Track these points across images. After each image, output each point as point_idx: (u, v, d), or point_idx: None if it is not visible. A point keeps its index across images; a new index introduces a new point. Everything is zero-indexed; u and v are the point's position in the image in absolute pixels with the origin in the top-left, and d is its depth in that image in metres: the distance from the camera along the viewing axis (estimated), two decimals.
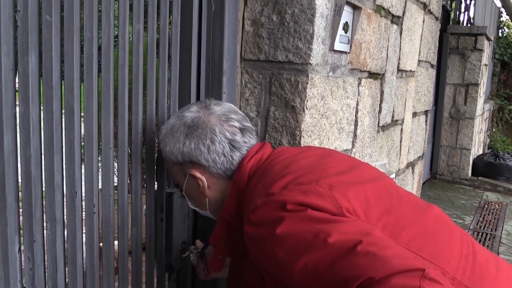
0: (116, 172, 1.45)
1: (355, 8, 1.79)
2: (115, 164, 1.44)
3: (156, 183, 1.57)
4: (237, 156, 1.26)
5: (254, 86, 1.67)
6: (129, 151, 1.47)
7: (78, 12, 1.18)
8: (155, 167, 1.55)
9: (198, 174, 1.27)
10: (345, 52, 1.82)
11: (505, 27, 10.49)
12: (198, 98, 1.62)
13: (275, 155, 1.26)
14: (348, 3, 1.71)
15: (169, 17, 1.50)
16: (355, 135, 2.05)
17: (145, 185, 1.53)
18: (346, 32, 1.76)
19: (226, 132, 1.25)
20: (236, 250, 1.32)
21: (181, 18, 1.53)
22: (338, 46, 1.71)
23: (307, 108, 1.60)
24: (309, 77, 1.58)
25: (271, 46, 1.62)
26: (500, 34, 9.78)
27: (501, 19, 10.56)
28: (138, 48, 1.40)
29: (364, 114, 2.12)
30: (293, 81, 1.60)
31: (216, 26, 1.57)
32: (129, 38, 1.37)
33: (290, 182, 1.11)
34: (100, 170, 1.36)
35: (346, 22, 1.73)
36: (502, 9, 10.89)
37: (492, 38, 7.97)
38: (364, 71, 2.07)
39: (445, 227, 1.16)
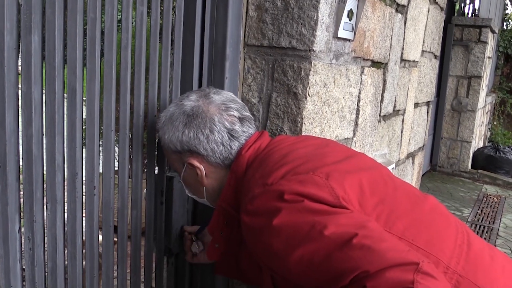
0: (117, 155, 1.45)
1: None
2: (116, 147, 1.44)
3: (156, 167, 1.57)
4: (235, 145, 1.27)
5: (256, 72, 1.66)
6: (130, 135, 1.47)
7: None
8: (156, 151, 1.55)
9: (196, 163, 1.27)
10: (349, 40, 1.81)
11: (510, 20, 10.42)
12: (200, 82, 1.61)
13: (273, 144, 1.27)
14: None
15: (173, 1, 1.49)
16: (356, 124, 2.05)
17: (145, 169, 1.54)
18: (350, 20, 1.74)
19: (225, 121, 1.26)
20: (233, 239, 1.33)
21: (185, 1, 1.52)
22: (342, 33, 1.70)
23: (309, 95, 1.60)
24: (312, 64, 1.58)
25: (274, 32, 1.61)
26: (504, 27, 9.72)
27: (506, 11, 10.49)
28: (141, 31, 1.39)
29: (366, 103, 2.11)
30: (296, 67, 1.59)
31: (220, 10, 1.56)
32: (133, 21, 1.37)
33: (287, 172, 1.11)
34: (101, 152, 1.36)
35: (351, 9, 1.72)
36: (508, 1, 10.82)
37: (497, 31, 7.93)
38: (367, 59, 2.06)
39: (440, 217, 1.18)
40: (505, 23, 9.96)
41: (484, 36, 6.78)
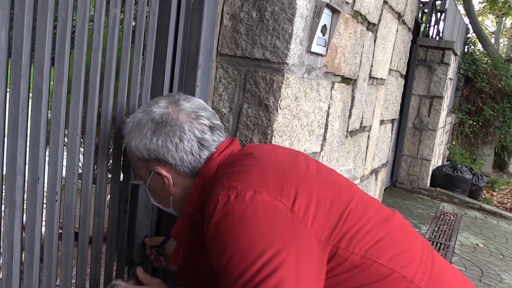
0: (81, 160, 1.41)
1: (334, 11, 1.79)
2: (81, 151, 1.39)
3: (122, 174, 1.53)
4: (205, 154, 1.23)
5: (228, 81, 1.65)
6: (97, 140, 1.42)
7: None
8: (122, 158, 1.51)
9: (164, 172, 1.23)
10: (321, 55, 1.82)
11: (471, 44, 10.79)
12: (171, 89, 1.58)
13: (245, 151, 1.25)
14: (328, 6, 1.71)
15: (147, 4, 1.47)
16: (324, 139, 2.06)
17: (110, 176, 1.49)
18: (323, 35, 1.76)
19: (196, 130, 1.22)
20: (197, 243, 1.30)
21: (159, 6, 1.49)
22: (315, 48, 1.71)
23: (280, 108, 1.59)
24: (285, 77, 1.57)
25: (248, 43, 1.61)
26: (466, 50, 10.06)
27: (468, 35, 10.86)
28: (113, 34, 1.36)
29: (334, 118, 2.13)
30: (268, 79, 1.59)
31: (195, 17, 1.54)
32: (105, 22, 1.33)
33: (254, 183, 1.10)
34: (65, 157, 1.31)
35: (325, 25, 1.73)
36: (470, 26, 11.21)
37: (459, 53, 8.19)
38: (337, 75, 2.08)
39: (407, 234, 1.19)
40: (466, 47, 10.30)
41: (447, 58, 7.00)
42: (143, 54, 1.49)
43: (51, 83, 1.20)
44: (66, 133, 1.30)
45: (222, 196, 1.07)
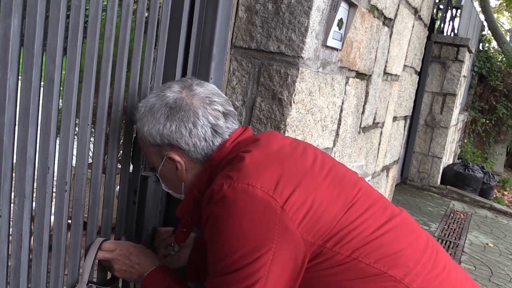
0: (91, 150, 1.40)
1: (351, 5, 1.75)
2: (92, 141, 1.38)
3: (131, 165, 1.52)
4: (218, 141, 1.21)
5: (242, 74, 1.63)
6: (107, 129, 1.41)
7: None
8: (132, 149, 1.49)
9: (177, 157, 1.22)
10: (337, 49, 1.79)
11: (486, 41, 10.66)
12: None
13: (252, 138, 1.24)
14: (345, 0, 1.68)
15: None
16: (337, 134, 2.03)
17: (120, 166, 1.48)
18: (340, 29, 1.72)
19: (210, 116, 1.20)
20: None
21: None
22: (330, 42, 1.68)
23: (294, 102, 1.57)
24: (300, 71, 1.55)
25: (263, 35, 1.58)
26: (480, 48, 9.93)
27: (483, 32, 10.73)
28: (126, 23, 1.34)
29: (348, 113, 2.10)
30: (282, 73, 1.56)
31: (210, 8, 1.52)
32: (118, 12, 1.31)
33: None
34: (75, 146, 1.30)
35: (341, 19, 1.70)
36: (485, 23, 11.07)
37: (473, 51, 8.09)
38: (352, 70, 2.05)
39: (410, 233, 1.17)
40: (481, 44, 10.17)
41: (461, 55, 6.92)
42: (155, 45, 1.47)
43: (63, 72, 1.18)
44: (76, 122, 1.29)
45: (218, 184, 1.08)
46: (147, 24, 1.43)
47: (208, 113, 1.20)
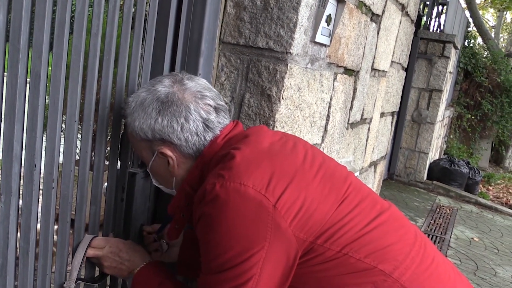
0: (78, 147, 1.38)
1: (340, 1, 1.75)
2: (79, 138, 1.36)
3: (119, 161, 1.50)
4: (209, 136, 1.21)
5: (230, 70, 1.62)
6: (94, 126, 1.40)
7: None
8: (120, 145, 1.48)
9: (169, 152, 1.21)
10: (325, 45, 1.79)
11: (471, 38, 10.75)
12: None
13: (242, 134, 1.23)
14: None
15: None
16: (325, 130, 2.03)
17: (107, 163, 1.47)
18: (328, 25, 1.72)
19: (201, 110, 1.19)
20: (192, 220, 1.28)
21: None
22: (319, 38, 1.68)
23: (283, 98, 1.56)
24: (288, 67, 1.54)
25: (252, 31, 1.57)
26: (466, 44, 10.02)
27: (469, 29, 10.82)
28: (113, 19, 1.32)
29: (336, 109, 2.10)
30: (271, 69, 1.56)
31: (198, 4, 1.50)
32: (105, 7, 1.29)
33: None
34: (62, 143, 1.28)
35: (330, 15, 1.70)
36: (470, 20, 11.17)
37: (459, 47, 8.16)
38: (340, 66, 2.05)
39: (399, 228, 1.18)
40: (466, 40, 10.26)
41: (447, 51, 6.97)
42: (143, 41, 1.46)
43: (49, 68, 1.16)
44: (63, 119, 1.27)
45: (210, 184, 1.08)
46: (134, 20, 1.41)
47: (200, 107, 1.19)
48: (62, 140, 1.28)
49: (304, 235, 1.07)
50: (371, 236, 1.11)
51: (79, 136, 1.35)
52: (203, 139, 1.20)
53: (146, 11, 1.43)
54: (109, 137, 1.47)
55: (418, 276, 1.11)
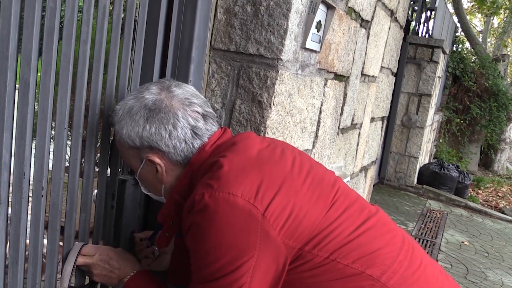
0: (68, 154, 1.37)
1: (329, 7, 1.76)
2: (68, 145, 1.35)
3: (109, 168, 1.50)
4: (197, 143, 1.21)
5: (221, 77, 1.62)
6: (84, 133, 1.39)
7: None
8: (110, 152, 1.47)
9: (157, 160, 1.21)
10: (315, 51, 1.79)
11: (459, 42, 10.85)
12: None
13: (229, 142, 1.23)
14: (323, 2, 1.69)
15: None
16: (316, 136, 2.04)
17: (97, 170, 1.46)
18: (318, 31, 1.73)
19: (189, 117, 1.19)
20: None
21: None
22: (309, 44, 1.68)
23: (274, 104, 1.56)
24: (279, 73, 1.55)
25: (242, 38, 1.57)
26: (454, 49, 10.11)
27: (457, 34, 10.92)
28: (102, 25, 1.32)
29: (327, 115, 2.11)
30: (262, 75, 1.56)
31: (188, 11, 1.50)
32: (94, 12, 1.29)
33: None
34: (51, 150, 1.27)
35: (320, 21, 1.71)
36: (458, 24, 11.27)
37: (447, 52, 8.23)
38: (330, 72, 2.06)
39: (387, 233, 1.19)
40: (454, 45, 10.35)
41: (436, 56, 7.02)
42: (132, 47, 1.45)
43: (39, 74, 1.15)
44: (52, 126, 1.26)
45: (199, 194, 1.08)
46: (124, 26, 1.41)
47: (188, 114, 1.19)
48: (52, 147, 1.27)
49: (293, 242, 1.07)
50: (359, 241, 1.12)
51: (69, 143, 1.34)
52: (191, 146, 1.20)
53: (135, 17, 1.43)
54: (98, 144, 1.46)
55: (406, 279, 1.12)
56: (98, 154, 1.48)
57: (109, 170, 1.49)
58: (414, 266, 1.15)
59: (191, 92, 1.23)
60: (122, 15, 1.38)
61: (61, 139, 1.28)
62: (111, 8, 1.36)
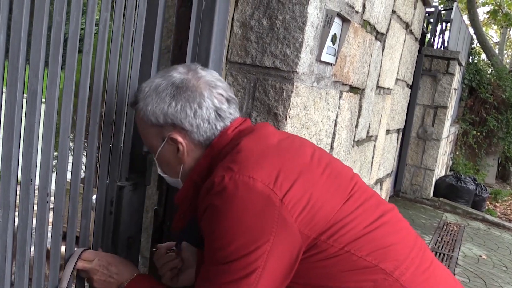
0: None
1: (344, 20, 1.74)
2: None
3: (108, 175, 1.49)
4: (220, 126, 1.20)
5: (237, 89, 1.60)
6: (85, 140, 1.39)
7: None
8: (109, 159, 1.47)
9: (179, 138, 1.20)
10: (331, 64, 1.77)
11: (475, 54, 10.76)
12: None
13: (250, 129, 1.24)
14: (339, 15, 1.67)
15: (136, 9, 1.43)
16: (331, 148, 2.01)
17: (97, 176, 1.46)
18: (333, 44, 1.71)
19: (215, 99, 1.19)
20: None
21: (147, 11, 1.45)
22: (325, 57, 1.66)
23: (289, 116, 1.55)
24: (295, 86, 1.53)
25: (258, 51, 1.56)
26: (470, 60, 10.02)
27: (473, 45, 10.83)
28: (103, 37, 1.33)
29: (342, 127, 2.08)
30: (278, 88, 1.54)
31: (205, 24, 1.49)
32: (95, 26, 1.30)
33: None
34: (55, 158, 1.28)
35: (335, 34, 1.69)
36: (474, 36, 11.19)
37: (463, 64, 8.15)
38: (346, 84, 2.03)
39: (400, 230, 1.20)
40: (470, 57, 10.26)
41: (451, 68, 6.96)
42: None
43: (45, 85, 1.17)
44: (57, 134, 1.27)
45: (218, 176, 1.08)
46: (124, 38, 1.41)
47: (213, 96, 1.19)
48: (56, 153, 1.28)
49: (308, 231, 1.07)
50: (374, 235, 1.12)
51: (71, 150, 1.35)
52: (214, 127, 1.20)
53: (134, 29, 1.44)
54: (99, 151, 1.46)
55: (417, 277, 1.12)
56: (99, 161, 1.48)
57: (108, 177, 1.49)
58: (425, 265, 1.16)
59: (216, 77, 1.25)
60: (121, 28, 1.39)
61: (65, 147, 1.28)
62: (111, 22, 1.37)
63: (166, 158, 1.26)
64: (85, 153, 1.40)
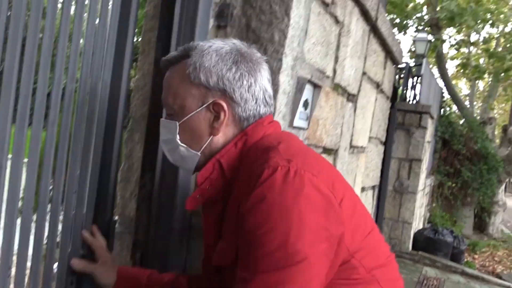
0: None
1: (316, 86, 1.79)
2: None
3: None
4: (262, 111, 1.15)
5: None
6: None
7: None
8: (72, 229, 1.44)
9: (225, 106, 1.12)
10: (304, 128, 1.80)
11: (447, 106, 11.07)
12: None
13: (287, 135, 1.23)
14: (310, 82, 1.71)
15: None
16: None
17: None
18: (305, 109, 1.75)
19: (267, 81, 1.17)
20: (215, 200, 1.18)
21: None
22: (297, 122, 1.69)
23: None
24: None
25: None
26: (442, 112, 10.30)
27: (444, 98, 11.16)
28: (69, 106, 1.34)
29: None
30: None
31: None
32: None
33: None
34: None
35: (307, 99, 1.73)
36: (445, 89, 11.56)
37: (435, 117, 8.37)
38: (319, 146, 2.06)
39: (385, 245, 1.22)
40: (442, 109, 10.56)
41: (424, 122, 7.13)
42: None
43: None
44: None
45: (281, 166, 0.99)
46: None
47: (267, 78, 1.17)
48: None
49: (350, 244, 1.07)
50: (369, 246, 1.13)
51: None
52: (257, 109, 1.14)
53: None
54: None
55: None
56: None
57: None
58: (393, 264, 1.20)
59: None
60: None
61: (29, 221, 1.27)
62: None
63: (195, 125, 1.14)
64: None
